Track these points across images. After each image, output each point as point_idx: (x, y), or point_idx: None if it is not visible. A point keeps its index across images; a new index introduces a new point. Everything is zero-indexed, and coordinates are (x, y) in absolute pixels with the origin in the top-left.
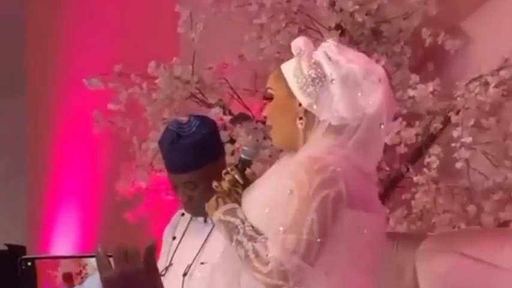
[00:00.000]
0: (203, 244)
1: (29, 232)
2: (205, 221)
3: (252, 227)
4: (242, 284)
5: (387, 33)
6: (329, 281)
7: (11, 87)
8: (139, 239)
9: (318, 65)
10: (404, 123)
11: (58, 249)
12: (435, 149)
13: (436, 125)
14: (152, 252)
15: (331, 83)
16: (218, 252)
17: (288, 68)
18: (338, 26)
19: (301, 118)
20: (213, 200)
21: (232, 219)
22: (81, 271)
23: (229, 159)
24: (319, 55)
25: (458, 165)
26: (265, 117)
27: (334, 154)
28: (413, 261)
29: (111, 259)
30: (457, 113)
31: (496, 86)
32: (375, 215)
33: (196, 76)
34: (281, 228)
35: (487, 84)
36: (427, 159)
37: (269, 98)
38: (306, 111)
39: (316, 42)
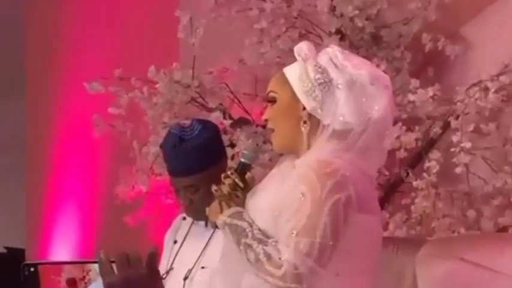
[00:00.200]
0: (204, 248)
1: (28, 235)
2: (206, 225)
3: (260, 230)
4: None
5: (387, 38)
6: (339, 283)
7: (10, 89)
8: (139, 242)
9: (323, 69)
10: (404, 128)
11: (57, 252)
12: (435, 154)
13: (436, 129)
14: (154, 258)
15: (337, 88)
16: (219, 257)
17: (292, 72)
18: (338, 31)
19: (305, 122)
20: (215, 203)
21: (239, 222)
22: (84, 276)
23: (229, 163)
24: (324, 60)
25: (458, 170)
26: (266, 120)
27: (341, 158)
28: (412, 266)
29: (113, 265)
30: (457, 118)
31: (495, 92)
32: (377, 217)
33: (196, 80)
34: (294, 232)
35: (486, 89)
36: (426, 164)
37: (271, 101)
38: (309, 115)
39: (317, 47)
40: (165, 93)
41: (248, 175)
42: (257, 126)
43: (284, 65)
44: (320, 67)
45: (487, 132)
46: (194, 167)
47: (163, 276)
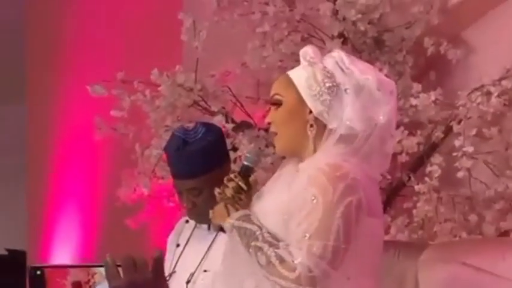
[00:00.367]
0: (207, 251)
1: (29, 237)
2: (209, 228)
3: (269, 233)
4: None
5: (389, 42)
6: (350, 286)
7: (12, 92)
8: (140, 245)
9: (331, 74)
10: (406, 132)
11: (59, 255)
12: (437, 158)
13: (438, 134)
14: (160, 262)
15: (345, 92)
16: (221, 260)
17: (297, 75)
18: (340, 35)
19: (311, 126)
20: (220, 206)
21: (248, 225)
22: (89, 280)
23: (231, 166)
24: (330, 64)
25: (460, 174)
26: (269, 123)
27: (349, 162)
28: (414, 270)
29: (119, 268)
30: (459, 122)
31: (498, 96)
32: (381, 220)
33: (199, 84)
34: (307, 235)
35: (489, 93)
36: (428, 168)
37: (276, 104)
38: (315, 119)
39: (320, 50)
40: (168, 96)
41: (251, 178)
42: (259, 129)
43: (286, 68)
44: (328, 71)
45: (489, 137)
46: (198, 169)
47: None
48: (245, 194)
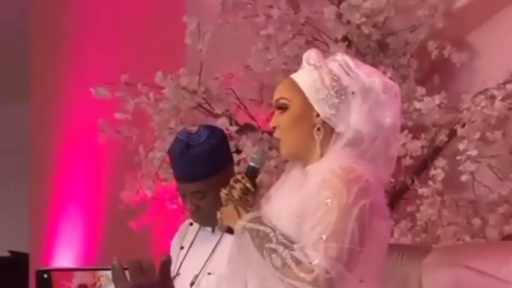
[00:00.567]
0: (211, 254)
1: (32, 239)
2: (213, 231)
3: (282, 235)
4: None
5: (394, 45)
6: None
7: (15, 93)
8: (142, 247)
9: (338, 77)
10: (410, 135)
11: (61, 256)
12: (440, 162)
13: (442, 137)
14: (167, 266)
15: (352, 95)
16: (225, 263)
17: (303, 79)
18: (345, 38)
19: (318, 129)
20: (229, 208)
21: (261, 227)
22: (95, 282)
23: (235, 169)
24: (335, 68)
25: (464, 178)
26: (274, 127)
27: (360, 165)
28: (417, 273)
29: (126, 272)
30: (463, 125)
31: (502, 100)
32: (389, 222)
33: (202, 86)
34: (323, 237)
35: (493, 97)
36: (432, 172)
37: (281, 108)
38: (323, 123)
39: (323, 54)
40: (172, 99)
41: (257, 179)
42: (263, 132)
43: (290, 71)
44: (335, 75)
45: (493, 140)
46: (201, 173)
47: None
48: (251, 195)
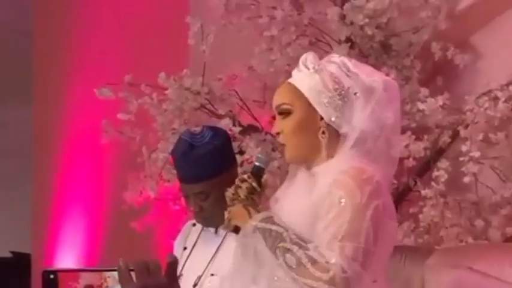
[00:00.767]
0: (213, 255)
1: (34, 240)
2: (216, 231)
3: (295, 235)
4: None
5: (397, 46)
6: None
7: (18, 95)
8: (145, 248)
9: (339, 79)
10: (413, 136)
11: (64, 257)
12: (443, 163)
13: (445, 138)
14: (174, 267)
15: (355, 96)
16: (228, 264)
17: (303, 83)
18: (348, 39)
19: (323, 132)
20: (239, 208)
21: (273, 227)
22: (102, 283)
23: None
24: (334, 70)
25: (466, 179)
26: (277, 133)
27: (370, 165)
28: (420, 274)
29: (132, 273)
30: (466, 127)
31: (505, 101)
32: (396, 223)
33: (206, 87)
34: (338, 236)
35: (496, 98)
36: (435, 173)
37: (284, 113)
38: (327, 125)
39: (326, 55)
40: (175, 100)
41: (263, 179)
42: (266, 133)
43: None
44: (336, 77)
45: (496, 142)
46: (204, 173)
47: None
48: (257, 195)
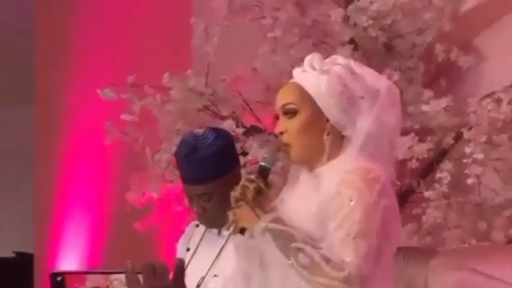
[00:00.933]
0: (217, 256)
1: (37, 240)
2: (219, 233)
3: (306, 235)
4: None
5: (400, 48)
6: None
7: (21, 95)
8: (148, 249)
9: (345, 81)
10: (417, 138)
11: (66, 257)
12: (446, 165)
13: (448, 140)
14: (181, 270)
15: (361, 98)
16: (231, 265)
17: (310, 84)
18: (351, 41)
19: (328, 134)
20: (246, 209)
21: (284, 227)
22: (108, 286)
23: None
24: (340, 71)
25: (470, 181)
26: (281, 132)
27: (375, 165)
28: (423, 276)
29: (139, 276)
30: (469, 129)
31: (508, 103)
32: (400, 222)
33: (209, 88)
34: (351, 235)
35: (499, 100)
36: (438, 175)
37: (290, 113)
38: (332, 127)
39: (329, 56)
40: (178, 101)
41: (269, 179)
42: (269, 134)
43: None
44: (343, 79)
45: (499, 144)
46: (208, 175)
47: None
48: (263, 196)
